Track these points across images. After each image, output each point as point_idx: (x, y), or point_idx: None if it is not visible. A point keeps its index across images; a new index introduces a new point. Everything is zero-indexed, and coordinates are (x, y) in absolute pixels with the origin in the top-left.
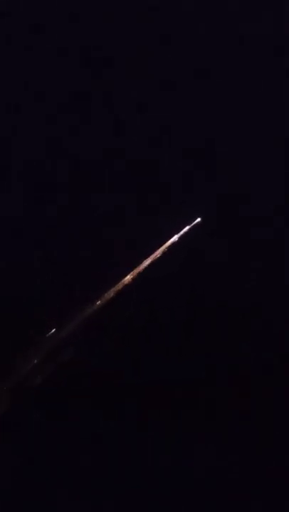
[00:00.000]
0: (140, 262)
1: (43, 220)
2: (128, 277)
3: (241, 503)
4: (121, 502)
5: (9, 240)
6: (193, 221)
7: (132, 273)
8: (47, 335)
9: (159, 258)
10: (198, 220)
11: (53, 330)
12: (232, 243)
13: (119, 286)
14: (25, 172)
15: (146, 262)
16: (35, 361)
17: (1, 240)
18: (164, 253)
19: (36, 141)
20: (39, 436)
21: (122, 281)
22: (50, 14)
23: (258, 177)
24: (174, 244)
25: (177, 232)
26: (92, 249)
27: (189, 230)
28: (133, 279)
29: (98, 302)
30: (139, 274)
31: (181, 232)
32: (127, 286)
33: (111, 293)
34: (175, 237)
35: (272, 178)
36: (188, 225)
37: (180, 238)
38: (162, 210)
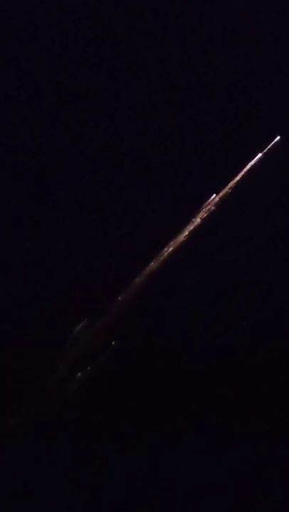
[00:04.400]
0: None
1: (43, 220)
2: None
3: (241, 503)
4: (121, 502)
5: (9, 239)
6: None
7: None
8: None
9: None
10: (278, 138)
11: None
12: (232, 243)
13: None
14: (25, 172)
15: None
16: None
17: (0, 239)
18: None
19: (36, 141)
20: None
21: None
22: (50, 14)
23: (258, 176)
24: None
25: (176, 230)
26: (92, 250)
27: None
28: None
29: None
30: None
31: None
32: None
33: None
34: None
35: (272, 178)
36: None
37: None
38: (162, 210)
